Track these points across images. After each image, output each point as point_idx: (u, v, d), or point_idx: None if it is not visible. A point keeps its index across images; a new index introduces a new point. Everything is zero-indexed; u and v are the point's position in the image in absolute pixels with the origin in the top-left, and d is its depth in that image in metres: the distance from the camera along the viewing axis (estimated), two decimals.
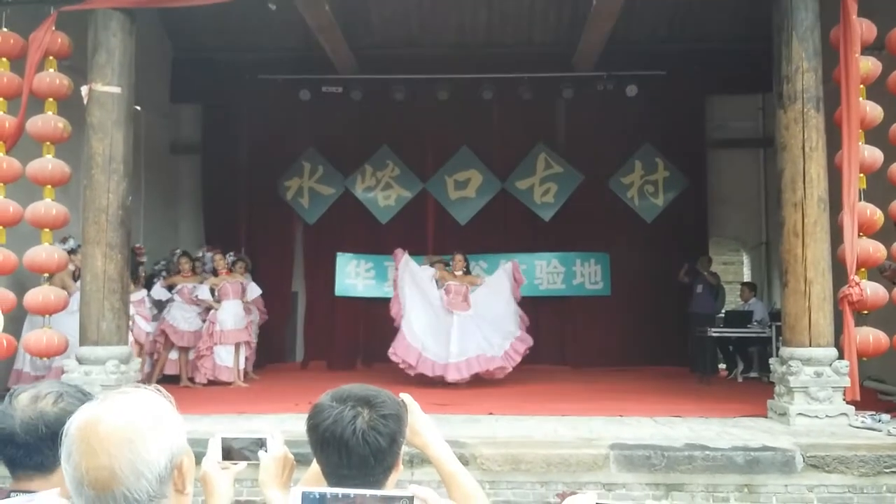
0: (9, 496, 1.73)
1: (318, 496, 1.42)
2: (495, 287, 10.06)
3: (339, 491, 1.43)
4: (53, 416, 1.74)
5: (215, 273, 10.15)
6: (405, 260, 9.89)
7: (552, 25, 11.72)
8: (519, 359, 9.69)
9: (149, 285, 9.91)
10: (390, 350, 9.59)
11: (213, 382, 9.62)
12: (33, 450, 1.74)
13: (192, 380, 9.75)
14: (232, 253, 10.54)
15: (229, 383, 9.66)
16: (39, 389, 1.81)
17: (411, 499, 1.42)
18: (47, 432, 1.72)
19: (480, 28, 11.89)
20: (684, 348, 11.54)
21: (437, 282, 9.94)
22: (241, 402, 7.99)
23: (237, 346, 9.86)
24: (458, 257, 10.06)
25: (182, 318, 9.88)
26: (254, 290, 10.45)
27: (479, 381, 9.88)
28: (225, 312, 9.81)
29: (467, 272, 10.22)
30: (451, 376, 9.25)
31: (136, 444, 1.31)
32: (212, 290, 9.91)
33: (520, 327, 9.87)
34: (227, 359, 9.75)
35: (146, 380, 8.96)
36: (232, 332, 9.76)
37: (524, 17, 11.64)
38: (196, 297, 9.88)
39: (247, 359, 10.22)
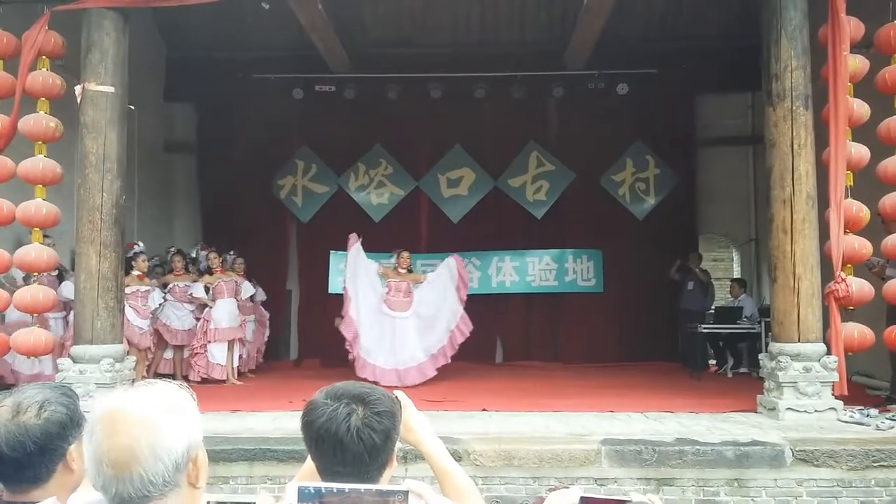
0: None
1: (313, 490, 1.44)
2: (436, 284, 9.74)
3: (335, 485, 1.45)
4: (39, 431, 1.69)
5: (210, 271, 10.16)
6: (357, 248, 9.60)
7: (544, 24, 11.76)
8: (431, 375, 9.33)
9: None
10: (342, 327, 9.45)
11: (206, 380, 9.64)
12: (24, 465, 1.69)
13: (185, 377, 9.76)
14: (233, 252, 10.55)
15: (223, 381, 9.68)
16: (20, 399, 1.74)
17: (406, 493, 1.44)
18: (35, 448, 1.68)
19: (473, 27, 11.92)
20: (675, 344, 11.62)
21: (380, 278, 9.72)
22: (235, 399, 8.01)
23: (230, 344, 9.88)
24: (405, 255, 9.81)
25: (175, 316, 9.88)
26: (247, 290, 10.48)
27: (471, 376, 9.95)
28: (219, 311, 9.82)
29: (411, 271, 9.99)
30: (391, 381, 8.94)
31: (158, 428, 1.37)
32: (207, 289, 9.92)
33: (447, 339, 9.48)
34: (221, 357, 9.76)
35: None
36: (226, 331, 9.78)
37: (516, 16, 11.68)
38: (191, 294, 9.89)
39: (241, 357, 10.24)
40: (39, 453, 1.70)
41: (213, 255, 10.20)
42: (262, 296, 11.31)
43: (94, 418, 1.39)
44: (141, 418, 1.36)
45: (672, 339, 11.66)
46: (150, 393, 1.42)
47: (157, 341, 9.76)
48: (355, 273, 9.54)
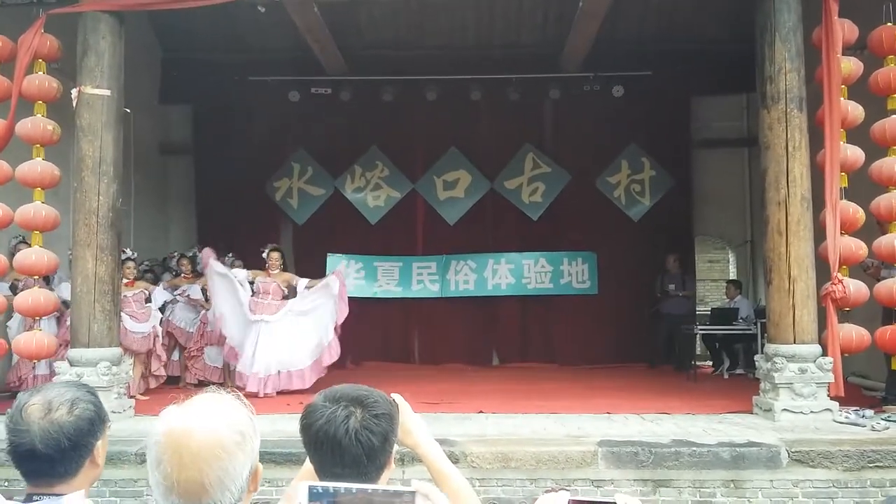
0: (30, 499, 1.74)
1: (321, 490, 1.45)
2: (313, 299, 9.18)
3: (343, 485, 1.46)
4: (72, 427, 1.74)
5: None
6: (210, 263, 9.21)
7: (539, 26, 11.78)
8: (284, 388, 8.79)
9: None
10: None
11: (202, 383, 9.60)
12: (56, 462, 1.73)
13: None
14: (231, 254, 10.50)
15: (220, 384, 9.64)
16: (49, 398, 1.78)
17: (413, 494, 1.45)
18: (69, 445, 1.73)
19: (469, 29, 11.93)
20: (671, 347, 11.62)
21: (251, 283, 9.30)
22: None
23: None
24: (275, 255, 9.41)
25: (187, 319, 9.83)
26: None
27: (468, 378, 9.96)
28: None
29: (285, 269, 9.65)
30: (252, 387, 8.54)
31: (225, 461, 1.42)
32: (203, 291, 9.90)
33: (311, 361, 8.91)
34: (217, 359, 9.72)
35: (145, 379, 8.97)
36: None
37: (512, 19, 11.69)
38: (188, 296, 9.87)
39: None
40: (72, 449, 1.74)
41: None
42: None
43: (160, 443, 1.42)
44: (208, 449, 1.41)
45: (668, 340, 11.67)
46: (212, 415, 1.46)
47: (168, 343, 9.66)
48: (216, 289, 9.14)
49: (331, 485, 1.45)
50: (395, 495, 1.44)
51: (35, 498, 1.74)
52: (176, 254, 10.66)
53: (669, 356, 11.43)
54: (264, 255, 9.50)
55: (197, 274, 10.12)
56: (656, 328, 11.69)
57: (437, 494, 1.64)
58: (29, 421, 1.74)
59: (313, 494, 1.42)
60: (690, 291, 11.60)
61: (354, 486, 1.45)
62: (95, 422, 1.80)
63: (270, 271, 9.35)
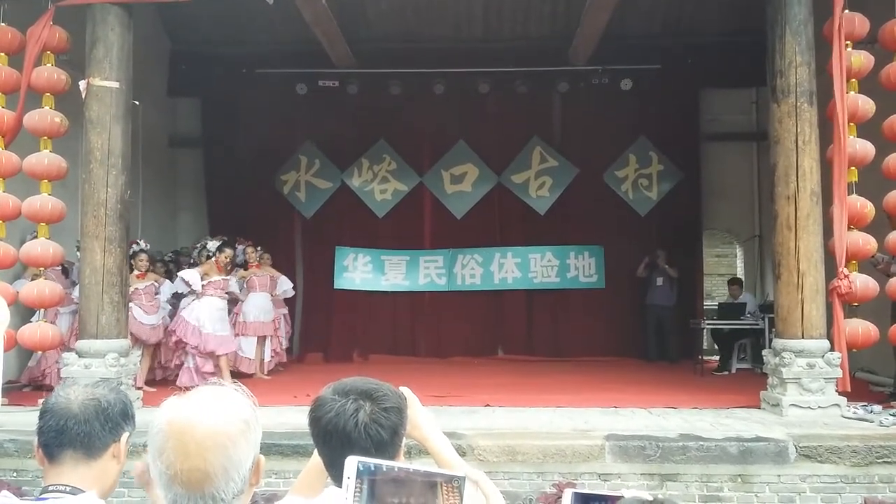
0: (46, 490, 1.74)
1: (368, 467, 1.43)
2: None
3: (387, 463, 1.45)
4: (111, 400, 1.82)
5: (245, 266, 10.14)
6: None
7: (548, 19, 11.74)
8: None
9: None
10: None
11: (233, 374, 9.53)
12: (88, 430, 1.77)
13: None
14: (259, 247, 10.45)
15: (250, 375, 9.61)
16: (87, 385, 1.87)
17: (463, 479, 1.45)
18: (104, 416, 1.79)
19: (476, 22, 11.90)
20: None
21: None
22: None
23: (261, 338, 9.89)
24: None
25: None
26: (284, 284, 10.50)
27: (474, 372, 9.94)
28: (249, 304, 9.83)
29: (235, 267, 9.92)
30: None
31: (229, 450, 1.42)
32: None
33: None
34: (249, 350, 9.72)
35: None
36: (255, 325, 9.77)
37: (520, 11, 11.65)
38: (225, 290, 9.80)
39: (274, 351, 10.27)
40: (106, 420, 1.79)
41: (250, 250, 10.17)
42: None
43: (162, 432, 1.43)
44: (212, 437, 1.41)
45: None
46: (217, 407, 1.46)
47: None
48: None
49: (377, 462, 1.44)
50: (447, 478, 1.43)
51: (51, 489, 1.74)
52: (198, 245, 10.64)
53: (660, 349, 11.45)
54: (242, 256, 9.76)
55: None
56: (644, 321, 11.73)
57: (486, 482, 1.66)
58: (70, 396, 1.81)
59: (360, 471, 1.42)
60: (674, 271, 11.57)
61: (398, 464, 1.43)
62: (128, 413, 1.86)
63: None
